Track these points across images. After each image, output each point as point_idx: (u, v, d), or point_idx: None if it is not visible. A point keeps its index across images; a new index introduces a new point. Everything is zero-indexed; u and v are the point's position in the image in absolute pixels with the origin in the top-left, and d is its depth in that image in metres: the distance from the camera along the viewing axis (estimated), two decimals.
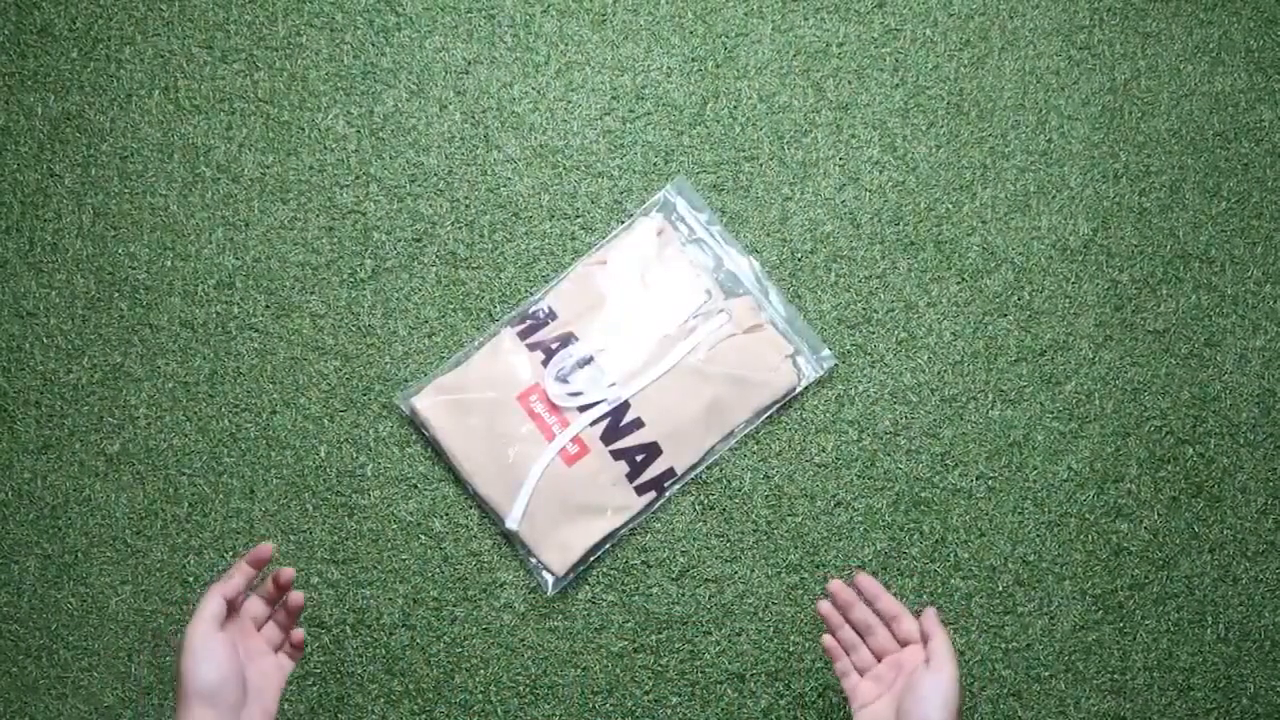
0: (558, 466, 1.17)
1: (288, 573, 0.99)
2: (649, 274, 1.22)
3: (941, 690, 0.93)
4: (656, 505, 1.18)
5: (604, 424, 1.17)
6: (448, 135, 1.25)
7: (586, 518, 1.17)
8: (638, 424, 1.18)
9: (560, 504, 1.16)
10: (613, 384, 1.18)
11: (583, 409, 1.18)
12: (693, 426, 1.18)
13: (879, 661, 1.00)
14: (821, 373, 1.20)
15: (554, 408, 1.18)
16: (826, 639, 1.02)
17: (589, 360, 1.19)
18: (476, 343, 1.20)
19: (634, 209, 1.24)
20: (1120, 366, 1.22)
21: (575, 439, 1.17)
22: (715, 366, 1.19)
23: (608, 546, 1.18)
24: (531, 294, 1.22)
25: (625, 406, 1.18)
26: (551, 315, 1.21)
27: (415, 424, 1.19)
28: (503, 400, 1.18)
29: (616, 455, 1.17)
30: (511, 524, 1.15)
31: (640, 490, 1.17)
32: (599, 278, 1.21)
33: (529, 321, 1.20)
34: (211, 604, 0.94)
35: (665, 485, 1.18)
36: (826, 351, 1.20)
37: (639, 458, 1.17)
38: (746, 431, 1.20)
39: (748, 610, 1.17)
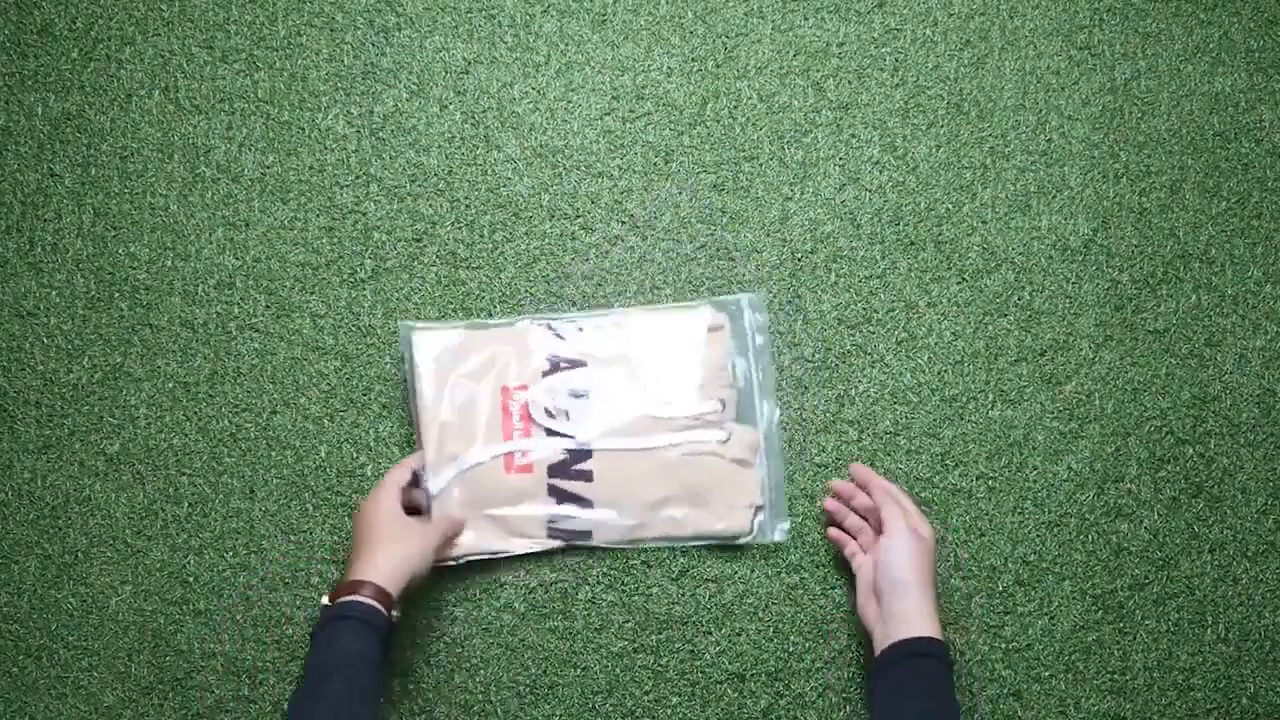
0: (496, 467, 1.15)
1: None
2: (683, 357, 1.18)
3: (895, 550, 1.07)
4: (556, 553, 1.16)
5: (559, 458, 1.15)
6: (448, 135, 1.25)
7: (491, 528, 1.15)
8: (587, 476, 1.15)
9: (479, 502, 1.14)
10: (591, 429, 1.16)
11: (550, 434, 1.17)
12: (633, 509, 1.15)
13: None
14: (769, 539, 1.17)
15: (528, 416, 1.17)
16: (831, 531, 1.16)
17: (584, 395, 1.18)
18: (501, 315, 1.19)
19: (703, 291, 1.23)
20: (1120, 366, 1.22)
21: (526, 454, 1.15)
22: (686, 472, 1.16)
23: (507, 559, 1.16)
24: (576, 304, 1.21)
25: (587, 454, 1.15)
26: (579, 336, 1.19)
27: (402, 353, 1.18)
28: (491, 381, 1.17)
29: (552, 491, 1.15)
30: (432, 488, 1.14)
31: (552, 534, 1.15)
32: (638, 332, 1.19)
33: (556, 329, 1.19)
34: (400, 474, 1.12)
35: (576, 543, 1.16)
36: (786, 524, 1.17)
37: (569, 506, 1.15)
38: (672, 547, 1.17)
39: (748, 610, 1.17)
